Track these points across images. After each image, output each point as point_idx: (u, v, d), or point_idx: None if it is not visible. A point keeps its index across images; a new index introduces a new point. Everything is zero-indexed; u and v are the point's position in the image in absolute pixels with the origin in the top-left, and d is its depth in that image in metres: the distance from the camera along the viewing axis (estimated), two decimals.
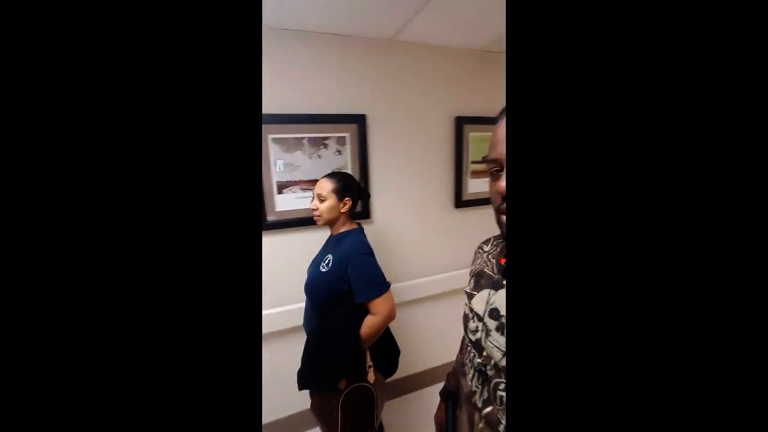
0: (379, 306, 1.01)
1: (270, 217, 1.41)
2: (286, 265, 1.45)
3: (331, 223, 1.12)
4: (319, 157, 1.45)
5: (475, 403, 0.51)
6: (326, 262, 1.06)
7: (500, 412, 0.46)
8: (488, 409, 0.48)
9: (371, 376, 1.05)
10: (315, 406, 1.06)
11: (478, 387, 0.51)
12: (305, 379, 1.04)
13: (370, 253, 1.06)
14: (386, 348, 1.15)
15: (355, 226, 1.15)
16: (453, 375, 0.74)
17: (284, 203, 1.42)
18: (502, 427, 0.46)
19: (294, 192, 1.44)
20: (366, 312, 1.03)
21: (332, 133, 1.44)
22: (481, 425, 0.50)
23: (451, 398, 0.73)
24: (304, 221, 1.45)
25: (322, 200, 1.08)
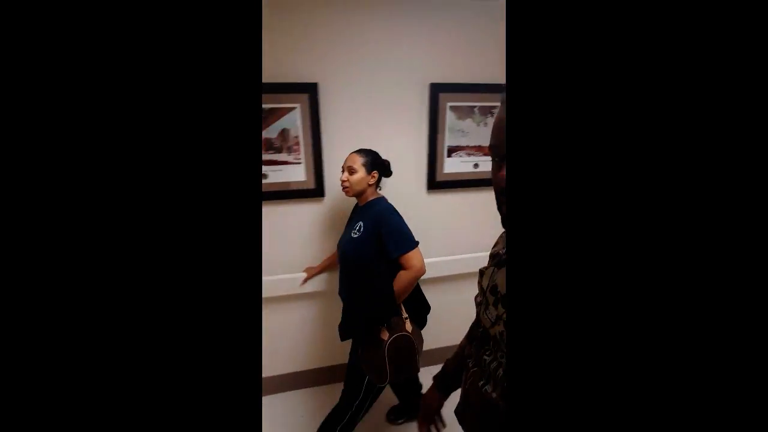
0: (410, 260, 1.12)
1: (439, 179, 1.60)
2: (451, 220, 1.67)
3: (358, 194, 1.22)
4: (485, 125, 1.58)
5: (468, 364, 0.62)
6: (357, 228, 1.17)
7: (483, 372, 0.56)
8: (475, 369, 0.58)
9: (409, 326, 1.17)
10: (363, 357, 1.16)
11: (474, 351, 0.61)
12: (347, 330, 1.18)
13: (398, 214, 1.16)
14: (419, 303, 1.28)
15: (379, 196, 1.24)
16: (452, 360, 0.77)
17: (451, 166, 1.60)
18: (481, 383, 0.55)
19: (460, 156, 1.60)
20: (397, 270, 1.14)
21: (496, 102, 1.54)
22: (469, 382, 0.60)
23: (445, 387, 0.78)
24: (467, 183, 1.63)
25: (352, 172, 1.18)
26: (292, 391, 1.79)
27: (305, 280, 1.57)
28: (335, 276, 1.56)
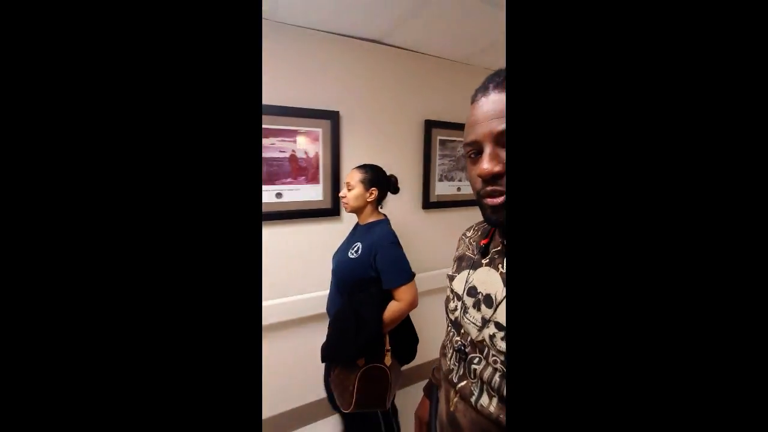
0: (403, 293, 1.08)
1: (432, 199, 1.86)
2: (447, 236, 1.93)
3: (357, 212, 1.20)
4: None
5: (451, 380, 0.52)
6: (355, 249, 1.13)
7: (473, 385, 0.47)
8: (462, 383, 0.49)
9: (388, 360, 1.12)
10: (334, 378, 1.13)
11: (455, 365, 0.52)
12: (329, 353, 1.13)
13: (397, 243, 1.13)
14: (406, 336, 1.22)
15: (381, 217, 1.21)
16: (439, 369, 0.72)
17: (441, 189, 1.89)
18: (473, 398, 0.46)
19: (450, 181, 1.91)
20: (389, 298, 1.10)
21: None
22: (455, 399, 0.50)
23: (436, 395, 0.73)
24: (456, 203, 1.95)
25: (350, 189, 1.16)
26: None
27: None
28: None
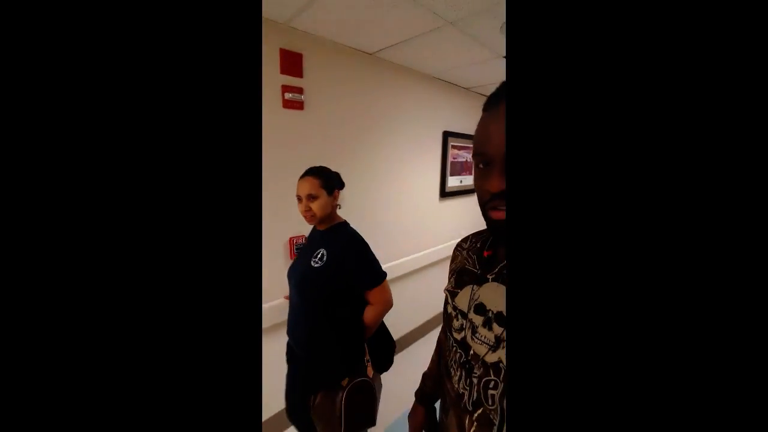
0: (377, 295, 1.01)
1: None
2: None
3: (324, 220, 1.07)
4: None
5: (465, 406, 0.48)
6: (318, 256, 1.01)
7: (492, 412, 0.44)
8: (479, 411, 0.46)
9: (370, 371, 1.03)
10: (317, 408, 0.99)
11: (466, 388, 0.48)
12: (312, 382, 1.00)
13: (365, 244, 1.04)
14: (383, 343, 1.14)
15: (341, 219, 1.11)
16: (429, 376, 0.71)
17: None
18: (495, 429, 0.43)
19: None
20: (362, 304, 1.03)
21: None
22: (473, 429, 0.46)
23: (428, 401, 0.73)
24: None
25: (313, 198, 1.02)
26: None
27: None
28: None
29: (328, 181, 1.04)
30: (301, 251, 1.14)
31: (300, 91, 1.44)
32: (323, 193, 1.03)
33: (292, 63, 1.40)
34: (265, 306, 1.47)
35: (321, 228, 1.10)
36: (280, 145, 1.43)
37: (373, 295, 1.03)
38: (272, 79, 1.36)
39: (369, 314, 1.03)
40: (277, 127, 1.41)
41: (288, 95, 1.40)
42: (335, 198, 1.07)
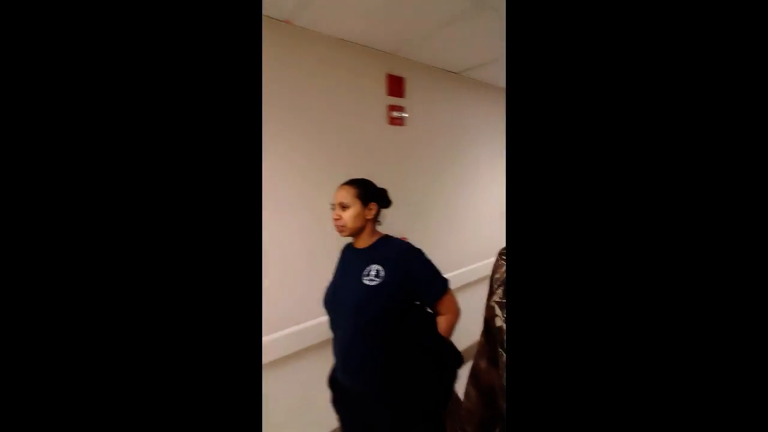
0: (448, 304, 0.96)
1: None
2: None
3: (356, 234, 1.00)
4: None
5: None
6: (372, 274, 0.93)
7: None
8: None
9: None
10: None
11: None
12: (405, 419, 0.89)
13: (423, 252, 0.99)
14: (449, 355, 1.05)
15: (382, 234, 1.04)
16: (468, 421, 0.57)
17: None
18: None
19: None
20: (427, 319, 0.97)
21: None
22: None
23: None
24: None
25: (345, 208, 0.97)
26: None
27: None
28: None
29: (364, 192, 0.99)
30: (338, 275, 1.06)
31: (402, 109, 1.65)
32: (357, 204, 0.98)
33: (396, 85, 1.61)
34: (312, 322, 1.37)
35: (361, 246, 1.02)
36: (386, 156, 1.62)
37: (443, 305, 0.96)
38: (379, 99, 1.57)
39: (443, 325, 0.96)
40: (384, 141, 1.61)
41: (394, 113, 1.61)
42: (371, 211, 1.00)
